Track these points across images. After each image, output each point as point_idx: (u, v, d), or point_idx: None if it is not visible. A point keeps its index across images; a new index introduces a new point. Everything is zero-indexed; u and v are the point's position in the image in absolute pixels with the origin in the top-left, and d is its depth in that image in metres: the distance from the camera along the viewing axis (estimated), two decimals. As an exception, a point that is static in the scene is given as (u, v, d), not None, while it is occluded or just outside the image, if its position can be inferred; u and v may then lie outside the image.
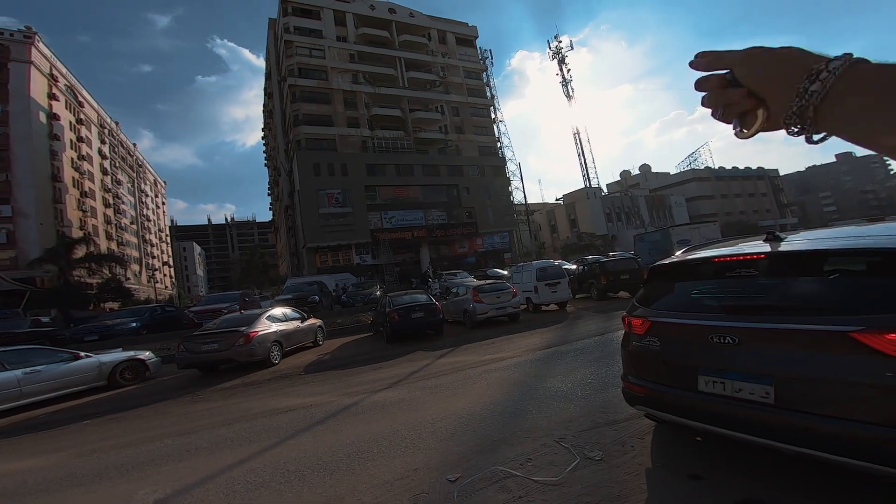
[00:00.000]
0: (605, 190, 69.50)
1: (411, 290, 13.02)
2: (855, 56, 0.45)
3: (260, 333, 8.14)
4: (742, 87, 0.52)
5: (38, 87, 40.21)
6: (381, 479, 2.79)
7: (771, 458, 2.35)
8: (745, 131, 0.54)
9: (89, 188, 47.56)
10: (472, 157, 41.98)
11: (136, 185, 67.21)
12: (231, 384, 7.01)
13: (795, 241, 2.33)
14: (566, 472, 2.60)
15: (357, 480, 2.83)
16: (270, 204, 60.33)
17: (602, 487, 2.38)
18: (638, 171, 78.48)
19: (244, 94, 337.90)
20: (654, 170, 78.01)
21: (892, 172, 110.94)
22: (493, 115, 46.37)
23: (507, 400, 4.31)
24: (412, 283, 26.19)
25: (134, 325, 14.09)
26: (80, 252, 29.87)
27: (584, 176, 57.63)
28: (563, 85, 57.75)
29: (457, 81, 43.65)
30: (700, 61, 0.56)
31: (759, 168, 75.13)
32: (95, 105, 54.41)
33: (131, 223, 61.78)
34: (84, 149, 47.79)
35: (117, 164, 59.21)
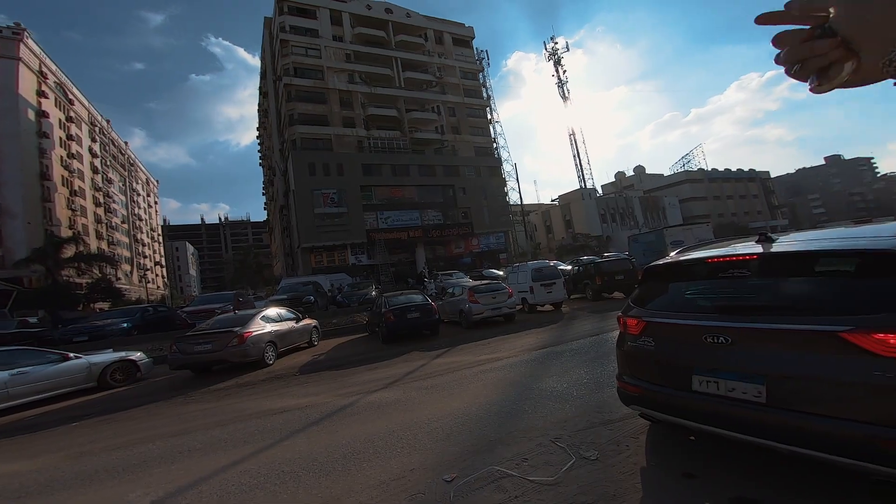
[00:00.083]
0: (600, 191, 70.07)
1: (407, 291, 13.00)
2: None
3: (254, 334, 8.07)
4: (833, 36, 0.50)
5: (26, 84, 39.53)
6: (377, 480, 2.78)
7: (764, 457, 2.38)
8: (823, 85, 0.52)
9: (79, 187, 46.83)
10: (468, 158, 42.06)
11: (127, 183, 66.29)
12: (225, 385, 6.94)
13: (786, 243, 2.36)
14: (562, 471, 2.61)
15: (353, 481, 2.82)
16: (265, 204, 59.94)
17: (598, 487, 2.39)
18: (632, 173, 79.17)
19: (239, 93, 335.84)
20: (648, 171, 78.75)
21: (878, 175, 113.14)
22: (489, 116, 46.50)
23: (503, 400, 4.32)
24: (408, 284, 26.16)
25: (125, 325, 13.88)
26: (70, 251, 29.37)
27: (579, 177, 57.90)
28: (558, 86, 58.01)
29: (453, 82, 43.71)
30: (793, 3, 0.52)
31: (750, 170, 76.14)
32: (86, 103, 53.60)
33: (122, 222, 60.93)
34: (74, 147, 47.05)
35: (108, 163, 58.35)
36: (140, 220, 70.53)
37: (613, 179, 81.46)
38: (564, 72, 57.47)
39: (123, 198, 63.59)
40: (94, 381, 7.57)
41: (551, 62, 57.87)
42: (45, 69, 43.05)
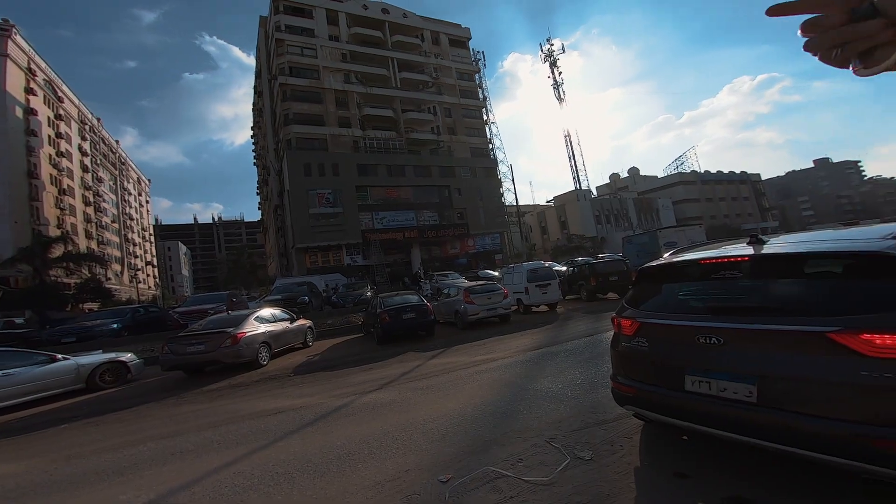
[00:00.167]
0: (595, 192, 70.58)
1: (402, 291, 12.99)
2: None
3: (248, 334, 8.00)
4: (876, 17, 0.46)
5: (14, 81, 38.76)
6: (372, 481, 2.77)
7: (756, 457, 2.41)
8: (869, 68, 0.49)
9: (68, 185, 46.01)
10: (463, 159, 42.09)
11: (118, 182, 65.29)
12: (217, 386, 6.86)
13: (777, 245, 2.40)
14: (557, 471, 2.62)
15: (347, 482, 2.80)
16: (259, 203, 59.40)
17: (592, 487, 2.41)
18: (627, 174, 79.91)
19: (233, 92, 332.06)
20: (642, 173, 79.50)
21: (864, 178, 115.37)
22: (485, 117, 46.60)
23: (498, 401, 4.33)
24: (403, 284, 26.11)
25: (115, 326, 13.65)
26: (58, 251, 28.84)
27: (574, 178, 58.41)
28: (554, 87, 58.49)
29: (449, 83, 43.75)
30: None
31: (742, 172, 77.24)
32: (76, 101, 52.70)
33: (113, 222, 59.98)
34: (63, 145, 46.23)
35: (98, 161, 57.42)
36: (131, 219, 69.49)
37: (608, 181, 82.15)
38: (560, 73, 57.96)
39: (114, 197, 62.60)
40: (83, 383, 7.44)
41: (547, 64, 58.37)
42: (33, 66, 42.27)
